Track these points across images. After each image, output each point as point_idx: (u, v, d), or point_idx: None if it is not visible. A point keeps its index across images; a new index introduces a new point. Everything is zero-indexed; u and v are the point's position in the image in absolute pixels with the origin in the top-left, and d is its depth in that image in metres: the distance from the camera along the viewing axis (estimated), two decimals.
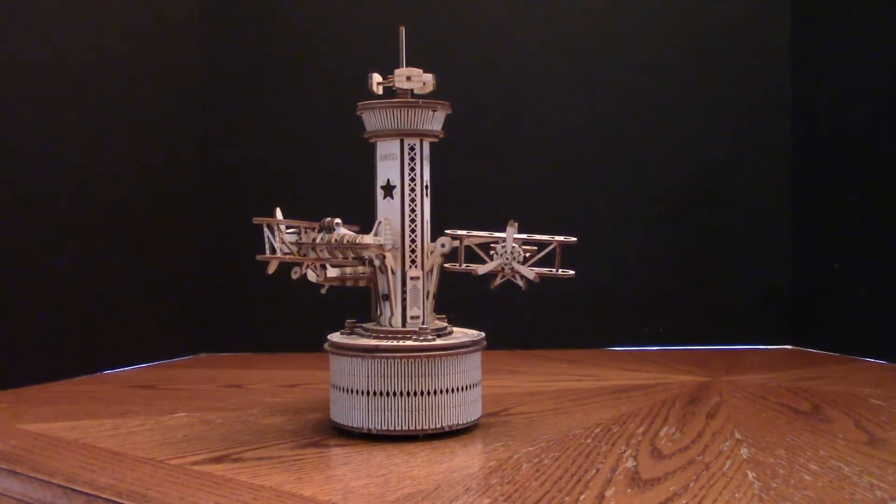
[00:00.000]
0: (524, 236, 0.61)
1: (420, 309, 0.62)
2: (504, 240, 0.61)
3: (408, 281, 0.62)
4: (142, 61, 0.96)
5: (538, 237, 0.61)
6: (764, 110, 1.05)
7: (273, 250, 0.61)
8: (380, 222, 0.61)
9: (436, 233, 0.63)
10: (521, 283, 0.60)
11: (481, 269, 0.61)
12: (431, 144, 0.63)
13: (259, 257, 0.61)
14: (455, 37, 1.04)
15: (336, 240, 0.60)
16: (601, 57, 1.05)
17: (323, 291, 0.64)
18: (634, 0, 1.05)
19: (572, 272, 0.61)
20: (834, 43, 1.01)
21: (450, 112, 0.63)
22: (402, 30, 0.63)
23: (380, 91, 0.62)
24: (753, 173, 1.05)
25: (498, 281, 0.60)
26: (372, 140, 0.63)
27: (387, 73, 0.62)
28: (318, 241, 0.60)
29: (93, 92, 0.90)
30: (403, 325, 0.62)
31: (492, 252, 0.61)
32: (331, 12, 1.04)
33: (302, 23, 1.04)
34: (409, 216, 0.62)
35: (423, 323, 0.62)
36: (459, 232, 0.62)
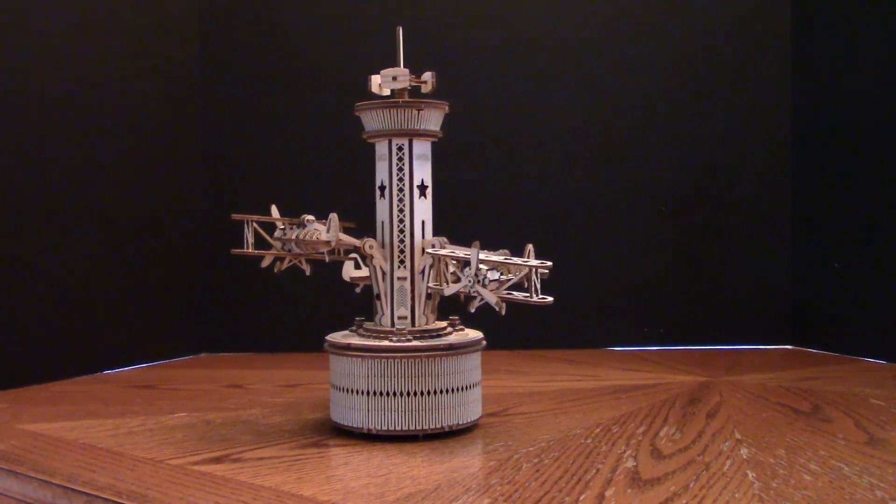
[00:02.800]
0: (501, 259, 0.57)
1: (408, 309, 0.62)
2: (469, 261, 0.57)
3: (395, 281, 0.62)
4: (142, 61, 0.96)
5: (512, 261, 0.57)
6: (764, 110, 1.05)
7: (248, 245, 0.63)
8: (330, 218, 0.61)
9: (438, 233, 0.63)
10: (494, 306, 0.58)
11: (447, 291, 0.59)
12: (432, 144, 0.63)
13: (234, 251, 0.63)
14: (455, 37, 1.04)
15: (300, 236, 0.61)
16: (601, 57, 1.05)
17: (357, 290, 0.65)
18: (634, 0, 1.05)
19: (550, 299, 0.55)
20: (834, 43, 1.01)
21: (444, 111, 0.62)
22: (400, 30, 0.63)
23: (386, 92, 0.62)
24: (753, 173, 1.05)
25: (476, 303, 0.58)
26: (369, 141, 0.63)
27: None
28: (291, 237, 0.62)
29: (93, 92, 0.90)
30: (392, 325, 0.62)
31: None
32: (331, 12, 1.04)
33: (302, 22, 1.04)
34: (398, 216, 0.62)
35: (413, 323, 0.61)
36: (441, 251, 0.60)
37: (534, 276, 0.55)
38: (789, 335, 1.04)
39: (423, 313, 0.62)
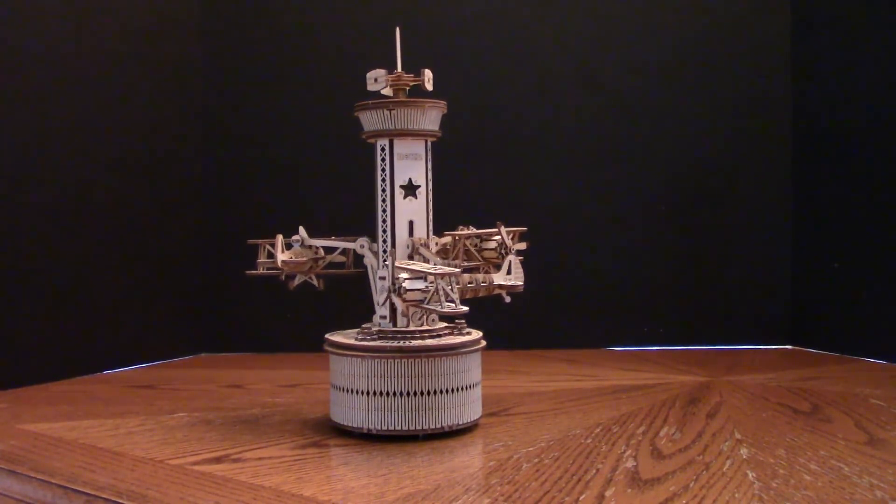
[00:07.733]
0: (414, 266, 0.57)
1: (388, 309, 0.61)
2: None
3: (377, 281, 0.62)
4: (142, 61, 0.96)
5: (425, 269, 0.57)
6: (764, 110, 1.05)
7: (261, 267, 0.65)
8: (296, 238, 0.64)
9: (439, 234, 0.63)
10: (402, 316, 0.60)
11: (379, 299, 0.61)
12: (433, 144, 0.63)
13: (248, 273, 0.64)
14: (455, 37, 1.04)
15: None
16: (601, 57, 1.04)
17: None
18: (634, 0, 1.05)
19: (464, 308, 0.55)
20: (834, 43, 1.01)
21: (425, 108, 0.62)
22: (398, 30, 0.63)
23: (390, 93, 0.62)
24: (753, 173, 1.05)
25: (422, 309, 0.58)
26: (368, 141, 0.63)
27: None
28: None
29: (93, 92, 0.90)
30: (377, 324, 0.62)
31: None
32: (332, 11, 1.04)
33: (303, 22, 1.04)
34: (381, 217, 0.62)
35: (394, 323, 0.61)
36: (402, 264, 0.60)
37: (440, 284, 0.55)
38: (789, 335, 1.04)
39: (404, 313, 0.62)
